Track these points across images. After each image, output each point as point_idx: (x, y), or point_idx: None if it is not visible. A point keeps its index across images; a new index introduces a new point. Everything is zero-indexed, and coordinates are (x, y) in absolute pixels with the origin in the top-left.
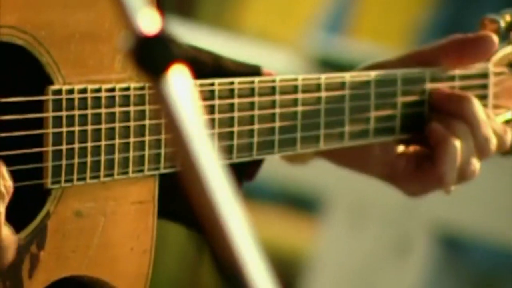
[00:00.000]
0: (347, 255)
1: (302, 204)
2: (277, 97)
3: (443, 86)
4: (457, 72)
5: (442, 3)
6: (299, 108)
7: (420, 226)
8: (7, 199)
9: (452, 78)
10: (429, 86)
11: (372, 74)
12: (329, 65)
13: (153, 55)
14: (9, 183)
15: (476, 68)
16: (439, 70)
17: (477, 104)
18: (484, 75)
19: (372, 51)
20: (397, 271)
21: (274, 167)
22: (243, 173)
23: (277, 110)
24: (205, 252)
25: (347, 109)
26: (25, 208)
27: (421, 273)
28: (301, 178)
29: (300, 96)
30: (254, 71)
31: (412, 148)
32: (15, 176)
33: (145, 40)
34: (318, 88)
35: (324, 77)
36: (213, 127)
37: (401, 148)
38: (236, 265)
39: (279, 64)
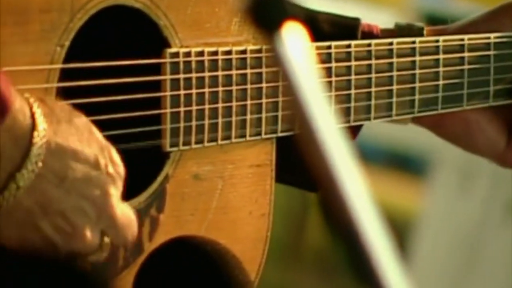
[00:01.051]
0: (455, 216)
1: (410, 165)
2: (395, 60)
3: None
4: None
5: None
6: (417, 71)
7: None
8: (119, 183)
9: None
10: None
11: None
12: (433, 24)
13: (269, 13)
14: (121, 168)
15: None
16: None
17: None
18: None
19: (476, 10)
20: (505, 233)
21: (383, 129)
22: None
23: (395, 73)
24: (310, 211)
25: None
26: (144, 171)
27: None
28: (409, 139)
29: (417, 58)
30: (351, 25)
31: None
32: (134, 138)
33: None
34: (436, 51)
35: (442, 39)
36: (330, 90)
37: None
38: (353, 226)
39: (383, 23)
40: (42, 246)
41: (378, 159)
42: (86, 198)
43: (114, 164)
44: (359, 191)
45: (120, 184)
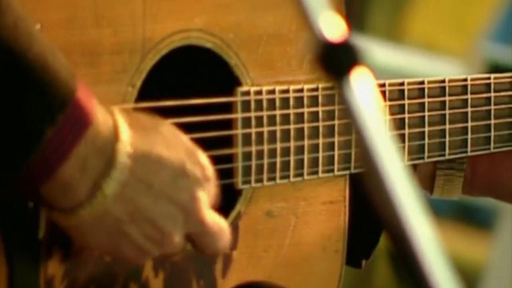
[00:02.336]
0: None
1: (477, 216)
2: (469, 96)
3: None
4: None
5: None
6: (492, 107)
7: None
8: (208, 185)
9: None
10: None
11: None
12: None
13: (338, 60)
14: (209, 171)
15: None
16: None
17: None
18: None
19: None
20: None
21: None
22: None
23: (469, 109)
24: (378, 254)
25: None
26: (216, 208)
27: None
28: None
29: (492, 94)
30: None
31: None
32: None
33: (331, 45)
34: (511, 87)
35: None
36: (403, 127)
37: None
38: (418, 264)
39: (448, 75)
40: (132, 252)
41: (444, 210)
42: (174, 204)
43: (202, 168)
44: (427, 233)
45: (209, 187)
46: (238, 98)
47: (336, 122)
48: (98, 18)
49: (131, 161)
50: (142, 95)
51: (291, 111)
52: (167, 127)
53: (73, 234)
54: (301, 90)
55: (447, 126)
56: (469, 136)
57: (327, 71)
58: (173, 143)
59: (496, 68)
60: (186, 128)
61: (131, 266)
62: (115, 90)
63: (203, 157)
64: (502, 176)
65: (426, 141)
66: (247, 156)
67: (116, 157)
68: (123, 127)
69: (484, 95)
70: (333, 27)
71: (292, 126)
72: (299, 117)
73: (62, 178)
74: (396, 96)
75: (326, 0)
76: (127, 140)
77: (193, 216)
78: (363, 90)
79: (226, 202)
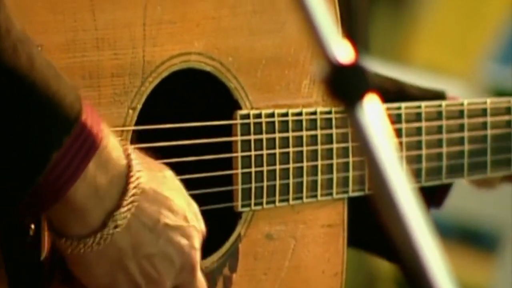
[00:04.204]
0: None
1: (481, 240)
2: (465, 121)
3: None
4: None
5: None
6: (488, 132)
7: None
8: (201, 239)
9: None
10: None
11: None
12: (502, 95)
13: (349, 84)
14: (203, 225)
15: None
16: None
17: None
18: None
19: None
20: None
21: (450, 202)
22: (431, 199)
23: (466, 134)
24: (377, 280)
25: None
26: (216, 230)
27: None
28: (480, 215)
29: (489, 119)
30: (438, 96)
31: None
32: (207, 199)
33: (341, 69)
34: (508, 111)
35: None
36: (400, 150)
37: None
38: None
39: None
40: (127, 287)
41: (448, 234)
42: (174, 246)
43: (198, 220)
44: (435, 252)
45: (201, 240)
46: (237, 121)
47: (335, 145)
48: (99, 41)
49: (141, 194)
50: (142, 118)
51: (290, 134)
52: (170, 174)
53: (74, 263)
54: (300, 114)
55: (444, 150)
56: (466, 160)
57: (337, 94)
58: (177, 190)
59: (500, 91)
60: (186, 151)
61: None
62: (115, 113)
63: (198, 211)
64: None
65: (424, 164)
66: (246, 179)
67: (129, 187)
68: (135, 160)
69: (481, 119)
70: (343, 51)
71: (291, 149)
72: (298, 141)
73: (75, 203)
74: (394, 119)
75: (336, 25)
76: (138, 172)
77: (189, 263)
78: (373, 113)
79: (226, 225)
